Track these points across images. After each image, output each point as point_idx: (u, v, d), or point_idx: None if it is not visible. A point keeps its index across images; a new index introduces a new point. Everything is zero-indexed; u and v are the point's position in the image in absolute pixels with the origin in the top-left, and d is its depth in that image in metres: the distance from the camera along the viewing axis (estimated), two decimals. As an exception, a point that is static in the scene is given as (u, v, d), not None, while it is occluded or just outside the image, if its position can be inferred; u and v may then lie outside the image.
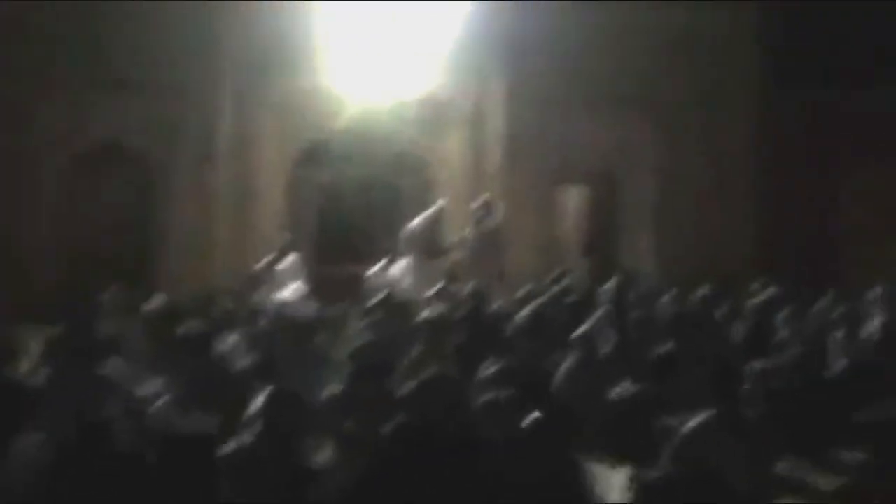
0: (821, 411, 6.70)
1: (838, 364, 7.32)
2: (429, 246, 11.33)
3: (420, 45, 12.61)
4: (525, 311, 8.21)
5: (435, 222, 11.67)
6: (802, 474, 6.15)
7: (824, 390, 7.00)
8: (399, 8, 12.40)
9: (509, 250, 12.08)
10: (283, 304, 9.69)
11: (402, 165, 14.06)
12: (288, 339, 7.31)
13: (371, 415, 4.74)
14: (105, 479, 3.19)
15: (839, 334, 7.80)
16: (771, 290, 10.17)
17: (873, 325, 9.04)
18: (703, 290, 10.23)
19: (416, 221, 11.54)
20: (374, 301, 8.69)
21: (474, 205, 11.89)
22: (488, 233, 11.71)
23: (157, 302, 8.24)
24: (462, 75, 13.23)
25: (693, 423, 5.30)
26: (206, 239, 12.77)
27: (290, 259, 11.21)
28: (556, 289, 9.90)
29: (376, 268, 11.03)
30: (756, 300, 9.85)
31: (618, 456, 5.72)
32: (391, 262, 11.07)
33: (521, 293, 9.83)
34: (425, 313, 7.93)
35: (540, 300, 9.06)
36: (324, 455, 4.37)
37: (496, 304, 9.50)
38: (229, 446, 4.09)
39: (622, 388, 6.58)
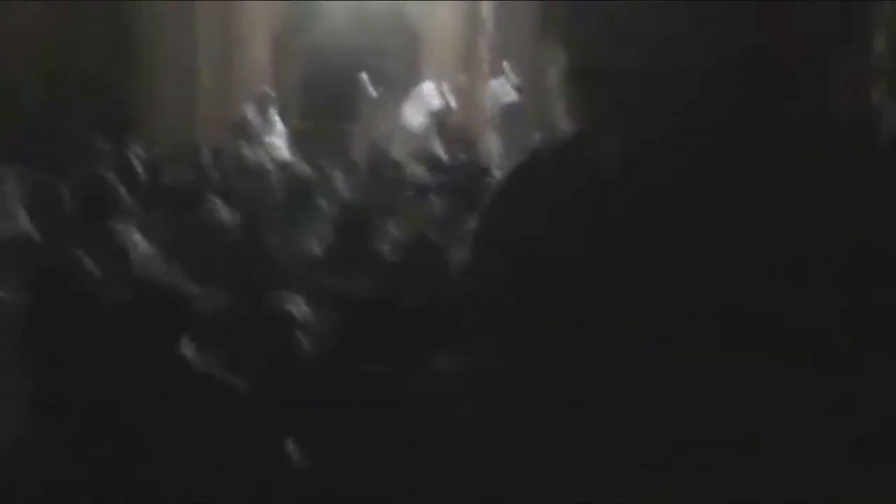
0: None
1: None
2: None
3: None
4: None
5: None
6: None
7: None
8: None
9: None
10: (270, 160, 9.49)
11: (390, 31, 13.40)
12: (280, 195, 7.16)
13: (354, 274, 4.68)
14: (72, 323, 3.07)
15: None
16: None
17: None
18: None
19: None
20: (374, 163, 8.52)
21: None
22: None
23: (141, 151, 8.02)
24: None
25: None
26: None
27: (270, 112, 11.03)
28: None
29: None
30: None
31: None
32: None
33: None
34: (409, 170, 7.80)
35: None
36: (302, 311, 4.31)
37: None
38: (205, 301, 4.03)
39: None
